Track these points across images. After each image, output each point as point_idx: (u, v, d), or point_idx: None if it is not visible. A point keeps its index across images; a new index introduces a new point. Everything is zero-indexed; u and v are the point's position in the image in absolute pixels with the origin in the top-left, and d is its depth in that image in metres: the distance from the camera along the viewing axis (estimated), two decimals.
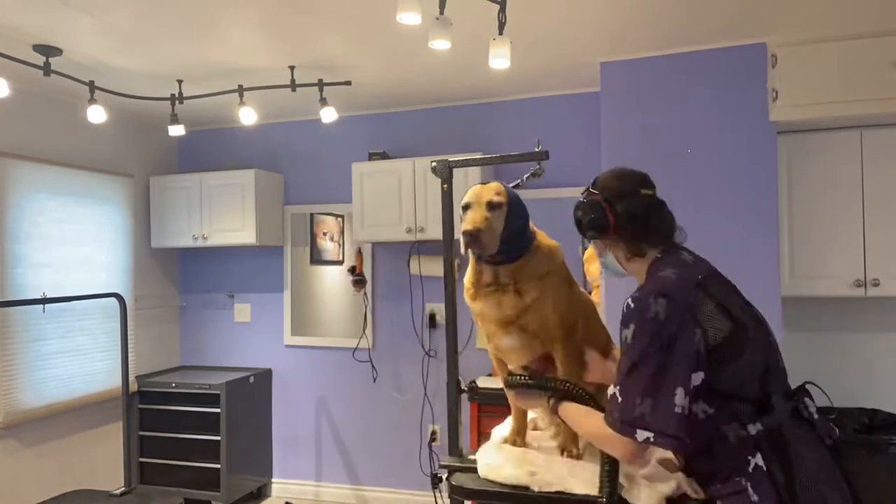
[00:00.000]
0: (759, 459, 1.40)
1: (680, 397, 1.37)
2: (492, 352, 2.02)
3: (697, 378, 1.39)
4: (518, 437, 1.98)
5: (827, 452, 1.45)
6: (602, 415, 1.48)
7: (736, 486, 1.41)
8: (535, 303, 1.81)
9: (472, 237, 1.72)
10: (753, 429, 1.41)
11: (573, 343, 1.86)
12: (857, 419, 3.36)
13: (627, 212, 1.56)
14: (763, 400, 1.44)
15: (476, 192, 1.82)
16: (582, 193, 1.65)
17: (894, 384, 3.58)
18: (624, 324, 1.46)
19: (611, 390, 1.46)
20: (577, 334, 1.88)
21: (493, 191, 1.81)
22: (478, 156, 3.94)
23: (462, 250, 1.79)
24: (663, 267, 1.52)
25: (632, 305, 1.45)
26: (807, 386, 1.52)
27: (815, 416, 1.47)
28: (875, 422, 3.33)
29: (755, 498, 1.39)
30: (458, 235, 1.80)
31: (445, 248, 2.12)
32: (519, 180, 2.09)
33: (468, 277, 1.93)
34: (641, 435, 1.38)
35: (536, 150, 1.96)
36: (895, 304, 3.58)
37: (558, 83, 3.96)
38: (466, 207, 1.79)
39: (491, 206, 1.78)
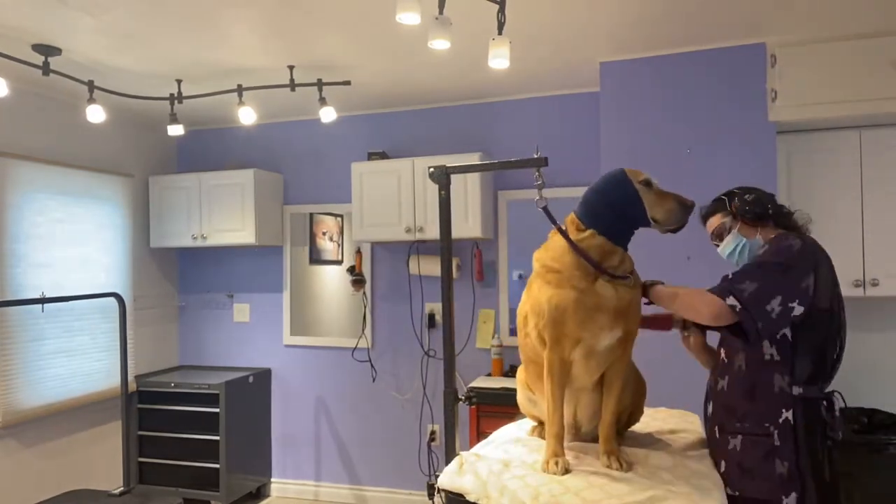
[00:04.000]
0: (790, 415, 1.74)
1: (776, 302, 1.69)
2: (561, 359, 1.72)
3: (795, 308, 1.71)
4: (560, 459, 1.67)
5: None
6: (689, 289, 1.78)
7: (764, 430, 1.75)
8: (638, 297, 1.77)
9: (691, 211, 1.74)
10: (796, 390, 1.75)
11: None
12: (856, 419, 3.36)
13: (777, 204, 1.94)
14: (815, 374, 1.77)
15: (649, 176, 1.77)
16: (728, 199, 1.97)
17: (893, 384, 3.58)
18: (765, 250, 1.80)
19: (730, 274, 1.76)
20: None
21: None
22: (477, 156, 3.95)
23: (680, 223, 1.73)
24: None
25: (776, 241, 1.81)
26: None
27: (837, 413, 1.78)
28: (874, 421, 3.34)
29: (777, 443, 1.74)
30: (662, 210, 1.72)
31: (443, 250, 2.09)
32: (540, 197, 1.93)
33: (574, 251, 1.69)
34: (731, 301, 1.68)
35: (535, 156, 1.92)
36: (894, 303, 3.59)
37: (558, 83, 3.97)
38: (650, 183, 1.73)
39: None
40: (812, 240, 1.85)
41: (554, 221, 1.79)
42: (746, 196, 1.94)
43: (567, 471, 1.64)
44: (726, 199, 1.99)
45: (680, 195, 1.74)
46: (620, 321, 1.69)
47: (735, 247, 1.94)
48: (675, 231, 1.76)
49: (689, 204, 1.72)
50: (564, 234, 1.73)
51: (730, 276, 1.76)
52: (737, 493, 1.76)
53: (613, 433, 1.75)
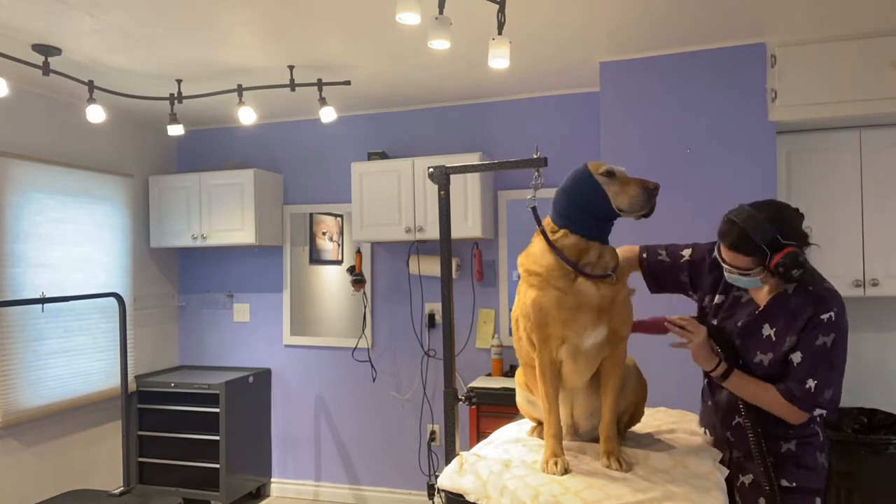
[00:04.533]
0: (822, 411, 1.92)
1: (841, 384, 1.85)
2: (550, 360, 1.73)
3: None
4: (560, 459, 1.67)
5: None
6: (772, 388, 1.83)
7: (811, 431, 1.91)
8: (623, 294, 1.73)
9: (656, 193, 1.68)
10: None
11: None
12: (855, 419, 3.36)
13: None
14: None
15: (612, 166, 1.73)
16: (769, 250, 1.76)
17: (893, 384, 3.58)
18: (825, 332, 1.79)
19: (809, 383, 1.79)
20: None
21: None
22: (477, 156, 3.95)
23: (645, 208, 1.68)
24: (820, 279, 1.88)
25: (833, 319, 1.79)
26: None
27: None
28: (874, 422, 3.34)
29: (822, 438, 1.93)
30: (630, 199, 1.66)
31: (443, 250, 2.09)
32: (531, 197, 1.89)
33: (553, 252, 1.69)
34: (818, 411, 1.81)
35: (535, 156, 1.92)
36: (894, 304, 3.59)
37: (558, 83, 3.97)
38: (612, 174, 1.69)
39: None
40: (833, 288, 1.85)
41: (539, 223, 1.79)
42: (792, 264, 1.74)
43: (567, 471, 1.64)
44: (768, 252, 1.75)
45: (643, 179, 1.69)
46: (604, 319, 1.68)
47: (741, 284, 1.86)
48: (647, 216, 1.71)
49: (653, 187, 1.67)
50: (545, 234, 1.74)
51: (811, 387, 1.78)
52: (793, 485, 1.89)
53: (614, 433, 1.74)
